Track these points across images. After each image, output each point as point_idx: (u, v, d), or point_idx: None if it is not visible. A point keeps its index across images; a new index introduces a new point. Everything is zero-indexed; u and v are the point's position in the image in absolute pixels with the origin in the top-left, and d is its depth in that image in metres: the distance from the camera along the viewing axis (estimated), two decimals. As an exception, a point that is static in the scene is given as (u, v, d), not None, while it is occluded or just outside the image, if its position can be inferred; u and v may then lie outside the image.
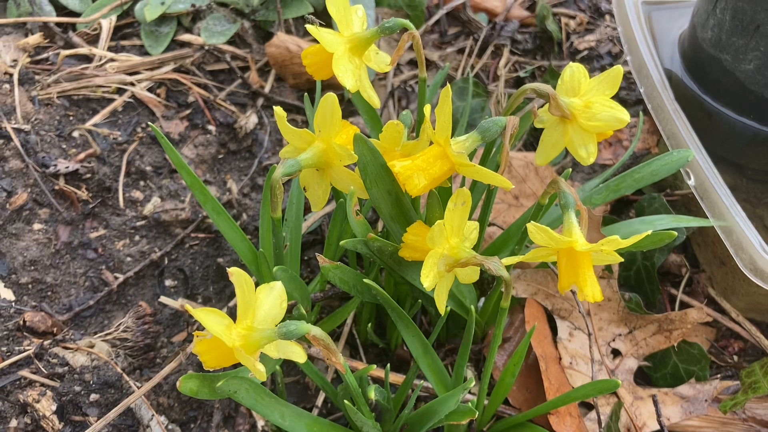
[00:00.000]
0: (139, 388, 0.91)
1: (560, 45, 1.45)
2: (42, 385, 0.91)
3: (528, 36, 1.45)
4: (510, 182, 0.70)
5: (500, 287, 0.89)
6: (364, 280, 0.76)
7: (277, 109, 0.74)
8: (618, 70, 0.77)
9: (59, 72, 1.25)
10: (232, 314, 0.96)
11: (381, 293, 0.77)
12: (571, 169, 0.85)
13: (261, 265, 0.87)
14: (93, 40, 1.33)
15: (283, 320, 0.64)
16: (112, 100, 1.24)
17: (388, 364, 0.83)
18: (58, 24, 1.33)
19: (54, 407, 0.88)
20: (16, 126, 1.15)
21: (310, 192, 0.79)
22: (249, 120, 1.24)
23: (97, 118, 1.21)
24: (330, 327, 0.95)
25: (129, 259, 1.09)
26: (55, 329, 0.99)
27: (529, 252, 0.70)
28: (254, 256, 0.93)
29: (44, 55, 1.29)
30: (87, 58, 1.29)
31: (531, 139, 1.28)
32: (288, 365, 0.99)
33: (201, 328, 1.01)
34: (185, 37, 1.32)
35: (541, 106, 0.79)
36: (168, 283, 1.08)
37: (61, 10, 1.37)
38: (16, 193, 1.09)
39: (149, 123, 0.97)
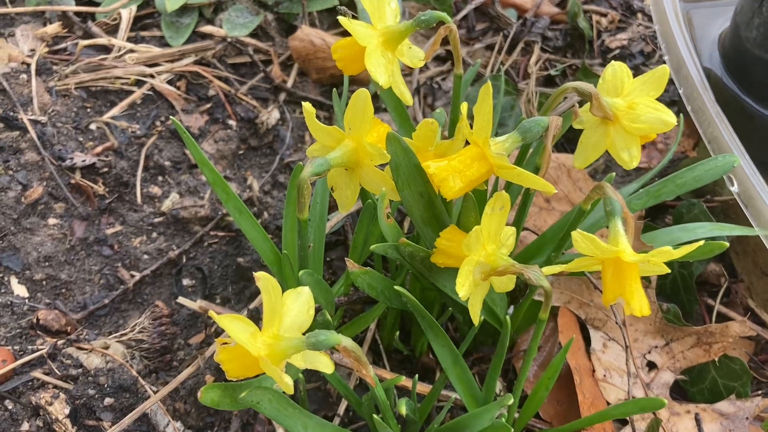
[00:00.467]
0: (155, 392, 0.88)
1: (591, 43, 1.40)
2: (55, 387, 0.87)
3: (558, 33, 1.40)
4: (553, 186, 0.66)
5: (533, 295, 0.85)
6: (395, 287, 0.72)
7: (306, 105, 0.70)
8: (664, 70, 0.73)
9: (77, 62, 1.22)
10: (252, 317, 0.92)
11: (412, 301, 0.73)
12: (614, 174, 0.81)
13: (284, 267, 0.83)
14: (112, 30, 1.29)
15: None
16: (130, 92, 1.21)
17: (416, 375, 0.79)
18: (77, 13, 1.30)
19: (67, 411, 0.84)
20: (32, 117, 1.12)
21: (338, 192, 0.75)
22: (271, 115, 1.20)
23: (115, 111, 1.18)
24: (353, 332, 0.91)
25: (146, 256, 1.05)
26: (69, 328, 0.95)
27: (573, 261, 0.66)
28: (276, 257, 0.90)
29: (62, 45, 1.26)
30: (106, 49, 1.26)
31: (562, 140, 1.24)
32: (309, 371, 0.95)
33: (220, 331, 0.98)
34: (207, 28, 1.28)
35: (580, 105, 0.75)
36: (186, 282, 1.04)
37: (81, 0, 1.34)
38: (32, 186, 1.06)
39: (170, 117, 0.93)
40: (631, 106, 0.72)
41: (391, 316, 0.94)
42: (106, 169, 1.09)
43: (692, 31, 1.15)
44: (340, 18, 0.72)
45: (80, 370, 0.88)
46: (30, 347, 0.93)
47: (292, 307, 0.62)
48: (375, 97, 1.17)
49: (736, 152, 0.94)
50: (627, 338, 0.93)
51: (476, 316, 0.70)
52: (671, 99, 1.31)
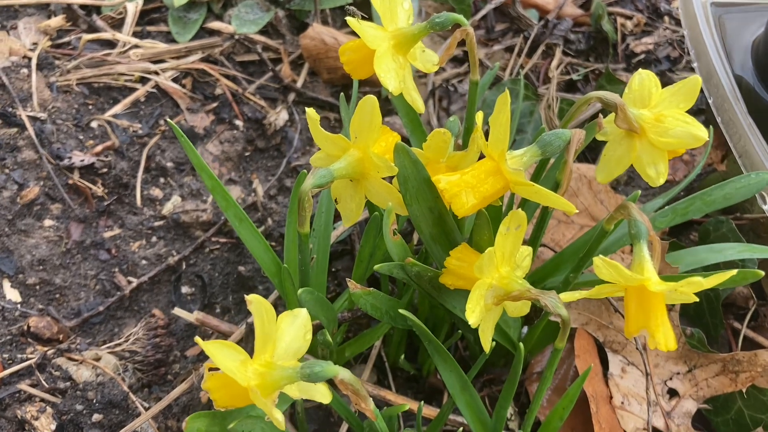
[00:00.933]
0: (146, 409, 0.83)
1: (615, 47, 1.35)
2: (42, 400, 0.83)
3: (581, 36, 1.34)
4: (573, 206, 0.61)
5: (549, 316, 0.80)
6: (399, 311, 0.67)
7: (310, 111, 0.65)
8: (695, 80, 0.69)
9: (80, 57, 1.17)
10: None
11: (417, 325, 0.68)
12: (639, 192, 0.75)
13: (285, 281, 0.78)
14: (118, 24, 1.25)
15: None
16: (134, 90, 1.16)
17: (421, 402, 0.74)
18: (82, 6, 1.26)
19: (53, 426, 0.80)
20: (31, 114, 1.08)
21: (342, 205, 0.71)
22: (279, 116, 1.16)
23: (117, 108, 1.14)
24: (358, 349, 0.87)
25: (144, 262, 1.01)
26: (61, 336, 0.91)
27: (594, 289, 0.61)
28: (278, 269, 0.85)
29: (66, 39, 1.22)
30: (110, 44, 1.21)
31: (584, 149, 1.18)
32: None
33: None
34: (215, 24, 1.24)
35: (604, 115, 0.70)
36: (185, 290, 1.00)
37: (87, -8, 1.30)
38: (28, 186, 1.02)
39: (167, 119, 0.89)
40: (659, 119, 0.67)
41: (397, 333, 0.89)
42: (105, 170, 1.05)
43: (724, 37, 1.09)
44: (348, 19, 0.67)
45: (69, 383, 0.84)
46: (19, 356, 0.89)
47: (287, 331, 0.57)
48: (387, 100, 1.12)
49: (769, 167, 0.89)
50: (647, 363, 0.87)
51: (487, 343, 0.65)
52: (698, 107, 1.25)
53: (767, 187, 0.86)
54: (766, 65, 1.04)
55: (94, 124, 1.10)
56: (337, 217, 1.01)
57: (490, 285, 0.62)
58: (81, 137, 1.08)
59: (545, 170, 0.78)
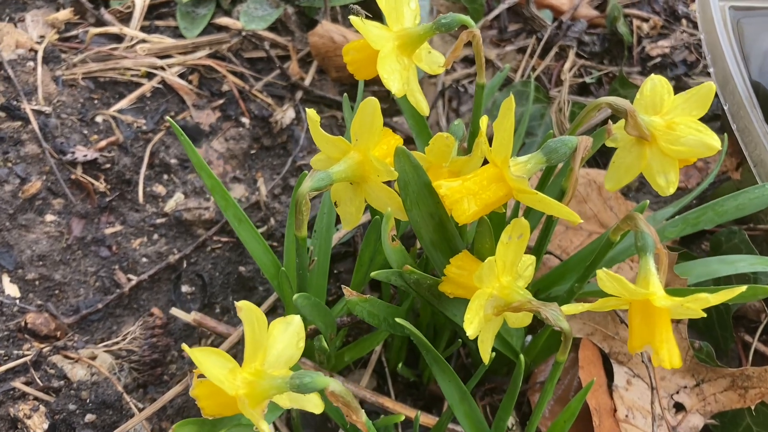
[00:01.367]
0: (140, 410, 0.82)
1: (630, 50, 1.32)
2: (36, 398, 0.82)
3: (596, 38, 1.32)
4: (578, 216, 0.59)
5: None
6: (397, 320, 0.65)
7: (310, 112, 0.64)
8: (709, 87, 0.67)
9: (87, 51, 1.16)
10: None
11: (415, 334, 0.66)
12: (647, 202, 0.73)
13: (282, 285, 0.77)
14: (125, 18, 1.24)
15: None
16: (140, 85, 1.15)
17: (418, 412, 0.72)
18: (90, -1, 1.25)
19: (46, 425, 0.79)
20: (36, 107, 1.07)
21: (341, 208, 0.69)
22: (286, 114, 1.14)
23: (122, 103, 1.13)
24: (357, 354, 0.85)
25: (145, 259, 1.00)
26: (58, 333, 0.90)
27: (598, 302, 0.59)
28: (277, 271, 0.83)
29: (73, 32, 1.21)
30: (117, 38, 1.20)
31: (594, 153, 1.15)
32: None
33: (217, 343, 0.92)
34: (223, 20, 1.22)
35: (614, 120, 0.68)
36: (185, 289, 0.99)
37: (96, -15, 1.29)
38: (30, 180, 1.01)
39: (168, 118, 0.87)
40: (670, 126, 0.65)
41: (398, 339, 0.87)
42: (108, 165, 1.04)
43: (741, 42, 1.06)
44: (352, 18, 0.65)
45: (63, 382, 0.83)
46: (15, 352, 0.88)
47: (279, 338, 0.56)
48: (394, 100, 1.10)
49: (784, 178, 0.86)
50: (653, 376, 0.85)
51: (486, 354, 0.63)
52: (713, 113, 1.22)
53: (781, 197, 0.84)
54: (785, 72, 1.02)
55: (98, 119, 1.09)
56: (339, 218, 1.00)
57: (491, 295, 0.60)
58: (85, 132, 1.07)
59: (552, 177, 0.76)
